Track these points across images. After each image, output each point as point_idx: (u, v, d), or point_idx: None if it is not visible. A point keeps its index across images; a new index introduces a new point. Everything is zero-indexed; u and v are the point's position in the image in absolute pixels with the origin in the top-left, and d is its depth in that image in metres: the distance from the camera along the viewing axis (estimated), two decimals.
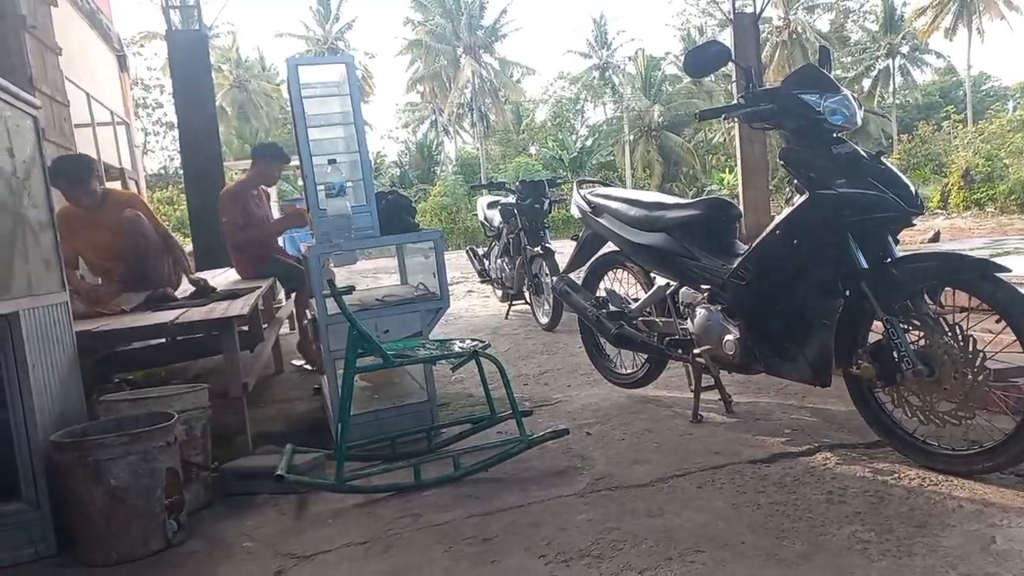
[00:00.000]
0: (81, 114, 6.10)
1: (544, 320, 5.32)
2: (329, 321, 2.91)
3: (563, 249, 5.25)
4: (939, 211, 17.82)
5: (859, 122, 2.33)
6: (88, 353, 2.77)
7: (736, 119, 2.56)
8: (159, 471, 2.13)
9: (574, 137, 37.24)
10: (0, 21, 3.71)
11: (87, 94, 6.06)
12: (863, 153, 2.27)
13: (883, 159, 2.27)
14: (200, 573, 1.98)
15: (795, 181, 2.37)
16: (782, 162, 2.38)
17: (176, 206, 20.51)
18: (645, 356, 3.21)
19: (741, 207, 11.46)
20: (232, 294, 3.53)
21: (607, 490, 2.23)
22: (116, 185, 6.74)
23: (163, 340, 3.73)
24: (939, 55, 39.35)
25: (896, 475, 2.14)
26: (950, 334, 2.09)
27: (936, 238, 9.60)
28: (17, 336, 2.13)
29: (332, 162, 3.07)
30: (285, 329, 5.53)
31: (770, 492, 2.10)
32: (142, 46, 22.50)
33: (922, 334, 2.16)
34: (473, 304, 7.27)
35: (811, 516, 1.92)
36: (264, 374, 4.32)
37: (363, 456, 2.72)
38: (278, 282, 4.84)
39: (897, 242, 2.31)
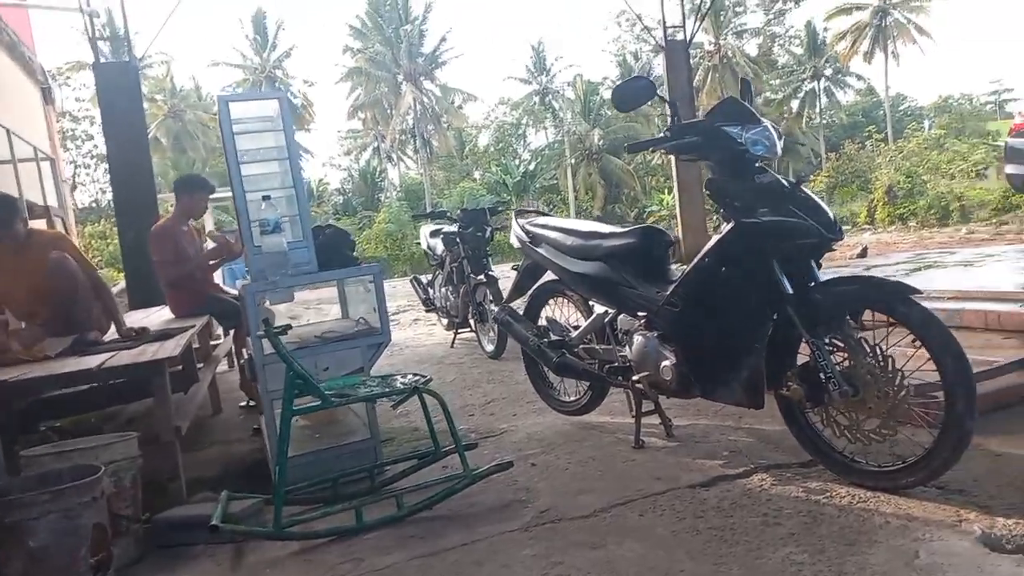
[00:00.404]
0: (0, 150, 5.86)
1: (490, 348, 5.32)
2: (266, 360, 2.84)
3: (507, 274, 5.28)
4: (867, 226, 18.61)
5: (779, 152, 2.43)
6: (8, 403, 2.64)
7: (664, 151, 2.64)
8: (84, 528, 2.03)
9: (517, 161, 37.63)
10: None
11: (7, 130, 5.83)
12: (784, 182, 2.37)
13: (803, 187, 2.37)
14: None
15: (721, 210, 2.45)
16: (708, 192, 2.46)
17: (109, 240, 19.73)
18: (587, 383, 3.24)
19: (679, 228, 11.79)
20: (164, 335, 3.42)
21: (551, 523, 2.23)
22: (41, 224, 6.47)
23: (93, 384, 3.58)
24: (860, 77, 41.46)
25: (828, 494, 2.21)
26: (872, 355, 2.19)
27: (864, 253, 9.97)
28: None
29: (266, 198, 3.02)
30: (224, 367, 5.38)
31: (709, 517, 2.14)
32: (68, 77, 21.71)
33: (846, 355, 2.25)
34: (419, 333, 7.21)
35: (748, 540, 1.96)
36: (201, 415, 4.18)
37: (304, 499, 2.66)
38: (215, 320, 4.71)
39: (820, 266, 2.41)
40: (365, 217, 32.37)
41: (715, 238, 2.48)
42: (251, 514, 2.52)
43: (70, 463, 2.27)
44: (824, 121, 40.03)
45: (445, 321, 6.26)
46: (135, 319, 4.43)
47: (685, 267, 2.67)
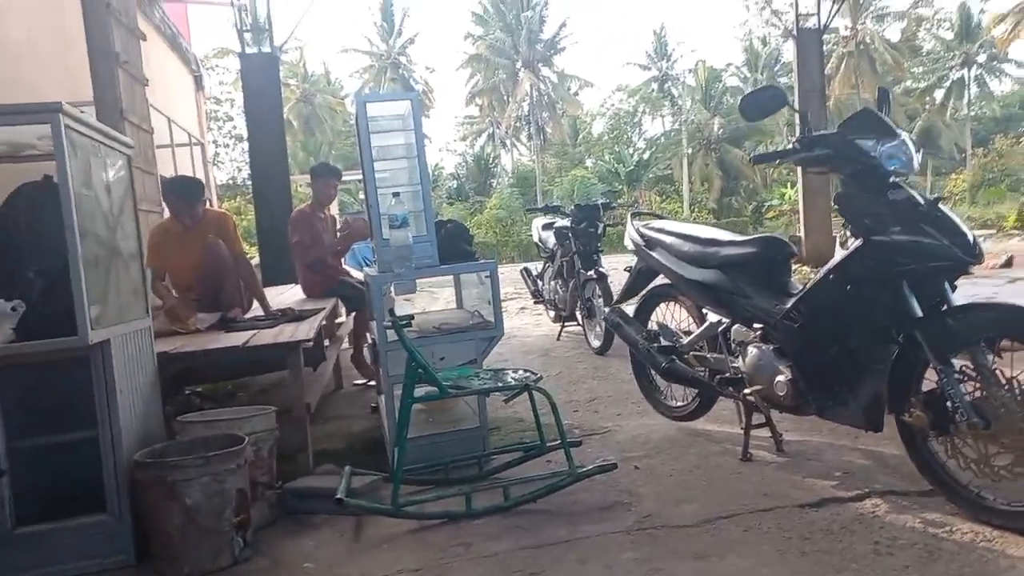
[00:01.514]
0: (161, 135, 6.49)
1: (596, 343, 5.36)
2: (389, 348, 3.04)
3: (614, 266, 5.27)
4: (1016, 231, 17.01)
5: (916, 167, 2.32)
6: (164, 368, 2.97)
7: (793, 163, 2.58)
8: (229, 492, 2.28)
9: (631, 150, 37.05)
10: (100, 60, 4.00)
11: (168, 119, 6.44)
12: (920, 199, 2.27)
13: (940, 206, 2.25)
14: None
15: (850, 226, 2.37)
16: (837, 207, 2.39)
17: (243, 216, 21.30)
18: (695, 391, 3.22)
19: (802, 227, 11.27)
20: (299, 316, 3.71)
21: (653, 529, 2.27)
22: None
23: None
24: (1020, 65, 37.60)
25: (948, 528, 2.12)
26: (1007, 387, 2.07)
27: (1009, 263, 9.14)
28: (108, 362, 2.32)
29: (396, 195, 3.21)
30: (344, 344, 5.73)
31: (816, 539, 2.11)
32: (216, 65, 23.45)
33: (978, 385, 2.14)
34: (526, 323, 7.35)
35: (857, 567, 1.92)
36: (324, 391, 4.49)
37: (418, 480, 2.83)
38: (340, 301, 5.03)
39: (954, 288, 2.29)
40: (477, 202, 33.07)
41: (841, 254, 2.40)
42: (370, 490, 2.73)
43: (218, 431, 2.54)
44: (972, 113, 36.67)
45: (552, 314, 6.36)
46: (269, 296, 4.81)
47: (806, 280, 2.61)
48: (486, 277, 3.32)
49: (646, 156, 36.24)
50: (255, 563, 2.29)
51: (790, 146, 2.49)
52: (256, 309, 4.04)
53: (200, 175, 8.14)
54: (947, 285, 2.25)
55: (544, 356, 5.45)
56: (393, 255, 3.17)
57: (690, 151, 34.14)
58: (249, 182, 11.22)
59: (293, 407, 3.05)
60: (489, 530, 2.37)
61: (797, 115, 2.55)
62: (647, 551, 2.12)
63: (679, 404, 3.39)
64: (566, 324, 6.07)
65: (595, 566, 2.05)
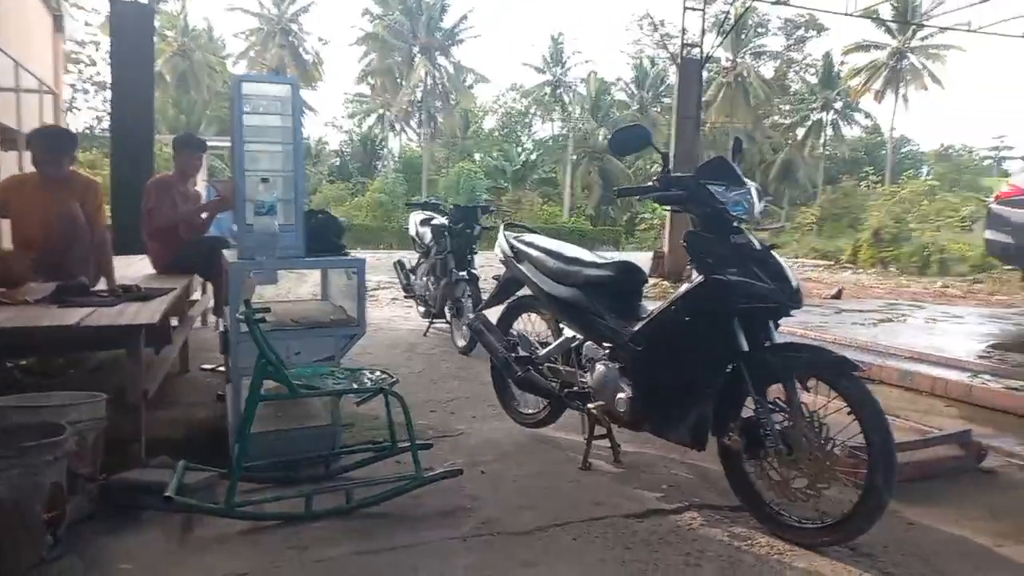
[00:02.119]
0: (6, 77, 5.84)
1: (461, 343, 5.43)
2: (241, 338, 2.93)
3: (492, 261, 5.32)
4: (850, 264, 18.91)
5: (757, 215, 2.55)
6: None
7: (651, 200, 2.75)
8: (43, 485, 2.11)
9: (519, 149, 37.61)
10: None
11: (15, 61, 5.81)
12: (757, 245, 2.50)
13: (772, 252, 2.49)
14: None
15: (694, 263, 2.57)
16: (684, 244, 2.58)
17: (98, 170, 19.54)
18: (547, 400, 3.36)
19: (666, 243, 11.95)
20: (144, 295, 3.48)
21: (490, 535, 2.36)
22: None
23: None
24: (867, 115, 41.86)
25: (750, 542, 2.35)
26: (809, 419, 2.33)
27: (839, 295, 10.17)
28: None
29: (264, 181, 3.10)
30: (197, 324, 5.42)
31: (636, 549, 2.27)
32: (80, 5, 21.28)
33: (787, 416, 2.39)
34: (395, 315, 7.30)
35: None
36: (169, 372, 4.24)
37: (258, 478, 2.75)
38: (195, 269, 4.74)
39: (778, 326, 2.54)
40: (359, 183, 32.28)
41: (684, 288, 2.60)
42: (205, 486, 2.62)
43: (37, 418, 2.35)
44: (826, 152, 40.37)
45: (422, 309, 6.36)
46: (119, 265, 4.45)
47: (664, 295, 2.79)
48: (353, 274, 3.29)
49: (533, 157, 36.96)
50: (65, 563, 2.13)
51: (651, 183, 2.66)
52: (101, 285, 3.74)
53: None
54: (772, 324, 2.50)
55: (409, 352, 5.44)
56: (256, 241, 3.06)
57: (575, 157, 35.16)
58: (108, 133, 10.26)
59: (129, 394, 2.86)
60: (327, 533, 2.36)
61: (660, 156, 2.71)
62: (481, 557, 2.20)
63: (531, 411, 3.51)
64: (434, 321, 6.09)
65: (428, 573, 2.10)
